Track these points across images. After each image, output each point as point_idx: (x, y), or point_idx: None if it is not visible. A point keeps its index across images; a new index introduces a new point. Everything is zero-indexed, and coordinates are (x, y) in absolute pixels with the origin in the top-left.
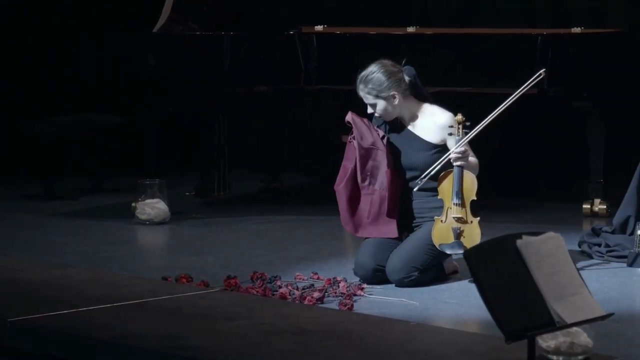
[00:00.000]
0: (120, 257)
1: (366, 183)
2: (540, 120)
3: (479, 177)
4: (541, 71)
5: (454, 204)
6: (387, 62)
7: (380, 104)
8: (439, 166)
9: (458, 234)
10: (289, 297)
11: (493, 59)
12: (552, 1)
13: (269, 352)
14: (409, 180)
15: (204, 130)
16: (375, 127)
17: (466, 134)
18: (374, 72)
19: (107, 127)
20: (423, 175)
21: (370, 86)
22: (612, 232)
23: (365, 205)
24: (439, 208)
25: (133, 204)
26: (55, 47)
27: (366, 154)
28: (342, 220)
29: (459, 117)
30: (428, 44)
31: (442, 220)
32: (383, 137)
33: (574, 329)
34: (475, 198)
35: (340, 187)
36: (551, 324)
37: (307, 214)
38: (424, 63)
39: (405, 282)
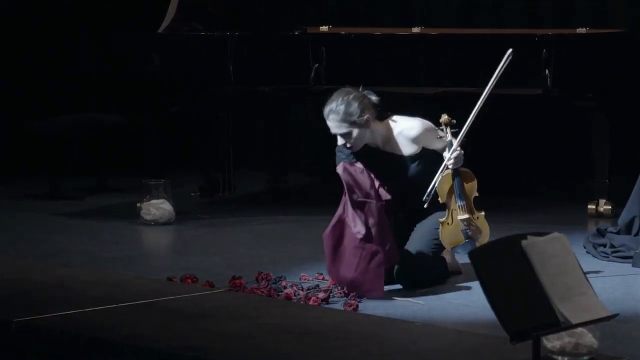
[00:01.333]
0: (126, 257)
1: (361, 235)
2: (545, 120)
3: (479, 179)
4: (509, 51)
5: (458, 206)
6: (348, 89)
7: (355, 132)
8: (439, 177)
9: (468, 234)
10: (294, 297)
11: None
12: (556, 1)
13: (274, 353)
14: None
15: (209, 130)
16: (371, 175)
17: (454, 134)
18: (343, 101)
19: (111, 126)
20: (428, 192)
21: (342, 116)
22: (617, 233)
23: (354, 257)
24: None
25: (138, 205)
26: (57, 46)
27: (360, 206)
28: (327, 268)
29: (445, 118)
30: (433, 44)
31: (448, 223)
32: (379, 187)
33: (579, 329)
34: (477, 194)
35: (326, 234)
36: (556, 325)
37: (312, 214)
38: (428, 63)
39: (412, 283)
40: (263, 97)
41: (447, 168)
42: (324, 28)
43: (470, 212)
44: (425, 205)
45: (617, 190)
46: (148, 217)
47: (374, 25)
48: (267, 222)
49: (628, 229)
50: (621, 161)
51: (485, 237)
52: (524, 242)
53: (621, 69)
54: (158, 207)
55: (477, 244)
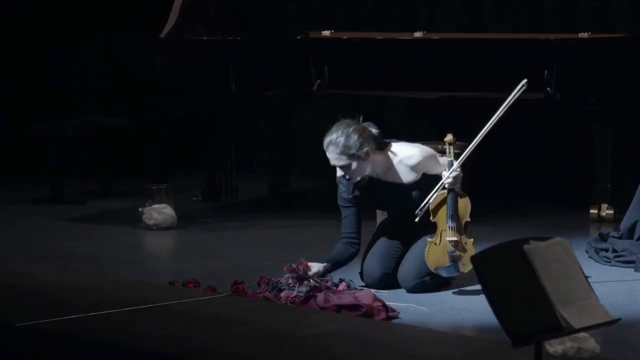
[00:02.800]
0: (128, 261)
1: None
2: (547, 125)
3: (482, 180)
4: (523, 82)
5: (448, 227)
6: (348, 121)
7: (355, 164)
8: (435, 195)
9: (453, 257)
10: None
11: (500, 64)
12: (559, 6)
13: (275, 358)
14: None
15: (211, 134)
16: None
17: (457, 155)
18: (342, 133)
19: (115, 129)
20: (421, 207)
21: (341, 148)
22: (620, 237)
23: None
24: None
25: (140, 209)
26: (61, 50)
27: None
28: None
29: (449, 137)
30: (435, 48)
31: (435, 243)
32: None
33: (582, 334)
34: (469, 219)
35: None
36: (558, 329)
37: (314, 218)
38: (431, 68)
39: (419, 288)
40: (265, 101)
41: (444, 188)
42: (326, 32)
43: (460, 235)
44: (416, 220)
45: (619, 195)
46: (150, 222)
47: (377, 30)
48: (269, 226)
49: (630, 233)
50: (623, 165)
51: (469, 264)
52: (526, 247)
53: (623, 73)
54: (160, 212)
55: (461, 270)
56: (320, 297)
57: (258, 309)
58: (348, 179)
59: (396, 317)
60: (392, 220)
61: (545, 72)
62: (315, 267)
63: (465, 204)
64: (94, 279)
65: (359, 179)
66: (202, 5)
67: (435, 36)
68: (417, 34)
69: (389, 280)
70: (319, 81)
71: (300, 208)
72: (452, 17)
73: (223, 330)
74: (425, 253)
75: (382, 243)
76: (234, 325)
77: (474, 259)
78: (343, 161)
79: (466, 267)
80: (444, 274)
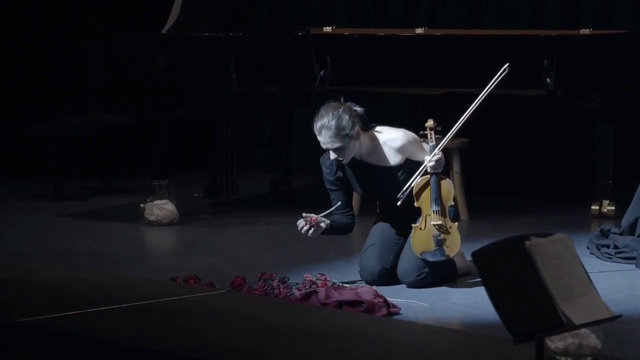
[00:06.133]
0: (129, 258)
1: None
2: (549, 121)
3: (483, 176)
4: (505, 66)
5: (433, 211)
6: (334, 103)
7: (348, 145)
8: (417, 178)
9: (439, 241)
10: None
11: (501, 60)
12: (560, 2)
13: (275, 353)
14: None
15: (213, 131)
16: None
17: (438, 139)
18: (333, 116)
19: (116, 127)
20: (403, 190)
21: (334, 130)
22: (621, 234)
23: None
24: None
25: (141, 205)
26: (63, 48)
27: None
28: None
29: (430, 123)
30: (436, 45)
31: (420, 228)
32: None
33: (583, 330)
34: (452, 204)
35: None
36: (559, 326)
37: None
38: (432, 64)
39: (419, 282)
40: (267, 98)
41: (426, 172)
42: (328, 29)
43: (444, 218)
44: (398, 203)
45: (620, 191)
46: (151, 218)
47: (379, 27)
48: (270, 223)
49: (631, 229)
50: (625, 162)
51: (455, 247)
52: (527, 243)
53: (625, 70)
54: (161, 208)
55: (447, 253)
56: (322, 293)
57: (259, 304)
58: (340, 161)
59: (397, 313)
60: (385, 215)
61: (547, 68)
62: (322, 226)
63: (448, 188)
64: (94, 275)
65: (349, 159)
66: (202, 2)
67: (436, 33)
68: (419, 31)
69: (388, 276)
70: (322, 72)
71: (301, 205)
72: (453, 14)
73: (224, 325)
74: (411, 239)
75: (379, 238)
76: (235, 321)
77: (475, 256)
78: (337, 143)
79: (451, 250)
80: (429, 258)
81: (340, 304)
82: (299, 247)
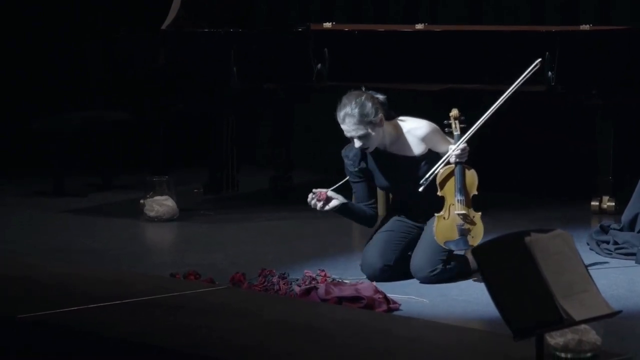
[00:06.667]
0: (129, 254)
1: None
2: (549, 117)
3: (484, 173)
4: (537, 61)
5: (457, 200)
6: (356, 91)
7: (373, 132)
8: (441, 166)
9: (462, 230)
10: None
11: (502, 55)
12: (560, 2)
13: (276, 350)
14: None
15: (213, 127)
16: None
17: (463, 129)
18: (356, 103)
19: (116, 124)
20: (427, 176)
21: (358, 118)
22: (621, 230)
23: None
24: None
25: (141, 201)
26: (64, 44)
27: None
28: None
29: (455, 112)
30: (437, 40)
31: (444, 217)
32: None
33: (583, 326)
34: (476, 193)
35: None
36: (559, 322)
37: (315, 212)
38: (433, 60)
39: (432, 277)
40: (267, 94)
41: (450, 162)
42: (327, 25)
43: (468, 208)
44: (420, 189)
45: (620, 187)
46: (151, 214)
47: (379, 22)
48: (271, 219)
49: (631, 225)
50: (625, 158)
51: (478, 237)
52: (527, 239)
53: (626, 66)
54: (161, 204)
55: (470, 243)
56: (322, 289)
57: (259, 300)
58: (365, 149)
59: (397, 309)
60: (399, 207)
61: (547, 64)
62: (334, 202)
63: (472, 177)
64: (94, 271)
65: (374, 147)
66: (202, 2)
67: (437, 28)
68: (419, 26)
69: (389, 273)
70: (319, 65)
71: (301, 201)
72: (453, 13)
73: (224, 321)
74: (434, 228)
75: (385, 234)
76: (235, 317)
77: (475, 251)
78: (362, 130)
79: (475, 240)
80: (453, 247)
81: (340, 299)
82: (299, 243)
